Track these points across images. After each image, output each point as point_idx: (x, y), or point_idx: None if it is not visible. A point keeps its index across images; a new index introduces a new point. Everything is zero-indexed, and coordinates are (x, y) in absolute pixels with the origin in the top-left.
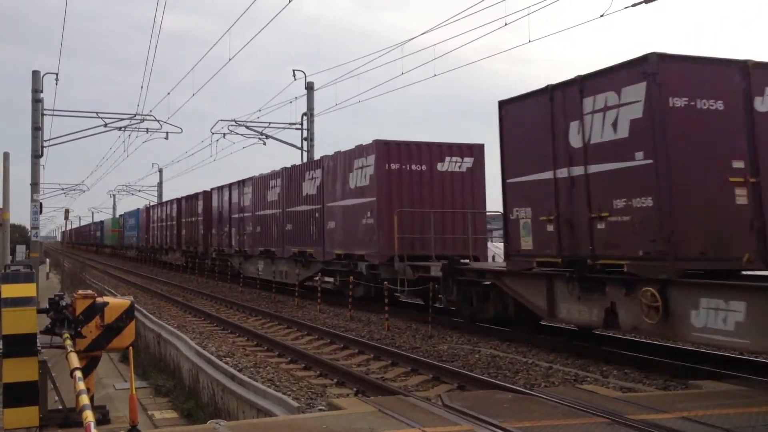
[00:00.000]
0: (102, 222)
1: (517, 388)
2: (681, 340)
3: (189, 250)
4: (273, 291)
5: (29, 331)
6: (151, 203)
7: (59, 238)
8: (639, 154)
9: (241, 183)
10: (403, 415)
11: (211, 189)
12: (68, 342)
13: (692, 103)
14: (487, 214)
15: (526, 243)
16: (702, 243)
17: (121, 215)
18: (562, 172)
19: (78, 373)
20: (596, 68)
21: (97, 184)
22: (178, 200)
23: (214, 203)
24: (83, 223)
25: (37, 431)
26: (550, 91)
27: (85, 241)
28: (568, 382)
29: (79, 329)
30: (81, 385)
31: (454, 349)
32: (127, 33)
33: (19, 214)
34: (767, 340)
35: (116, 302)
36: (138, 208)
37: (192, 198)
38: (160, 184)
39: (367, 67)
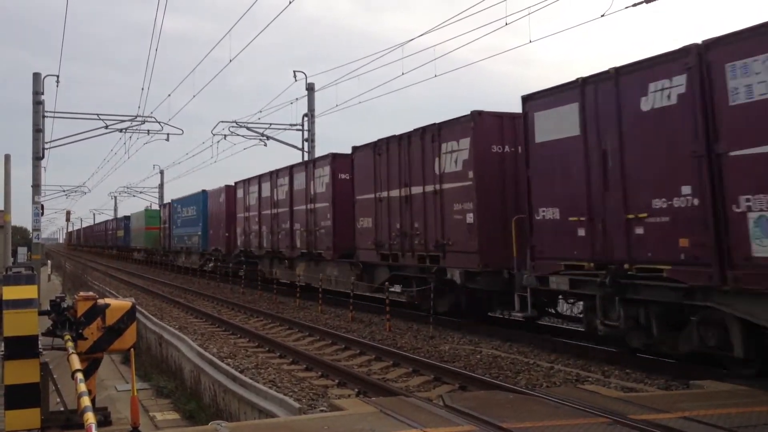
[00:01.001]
0: (127, 218)
1: (519, 388)
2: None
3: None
4: (274, 292)
5: (30, 333)
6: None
7: (61, 240)
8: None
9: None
10: (404, 415)
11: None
12: (70, 344)
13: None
14: None
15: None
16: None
17: (165, 204)
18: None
19: (79, 375)
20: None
21: (98, 185)
22: (335, 157)
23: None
24: (86, 224)
25: None
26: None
27: (99, 243)
28: (570, 383)
29: (80, 331)
30: (82, 387)
31: (456, 349)
32: (128, 35)
33: (21, 216)
34: None
35: (118, 304)
36: (203, 191)
37: (401, 140)
38: (161, 186)
39: (367, 67)
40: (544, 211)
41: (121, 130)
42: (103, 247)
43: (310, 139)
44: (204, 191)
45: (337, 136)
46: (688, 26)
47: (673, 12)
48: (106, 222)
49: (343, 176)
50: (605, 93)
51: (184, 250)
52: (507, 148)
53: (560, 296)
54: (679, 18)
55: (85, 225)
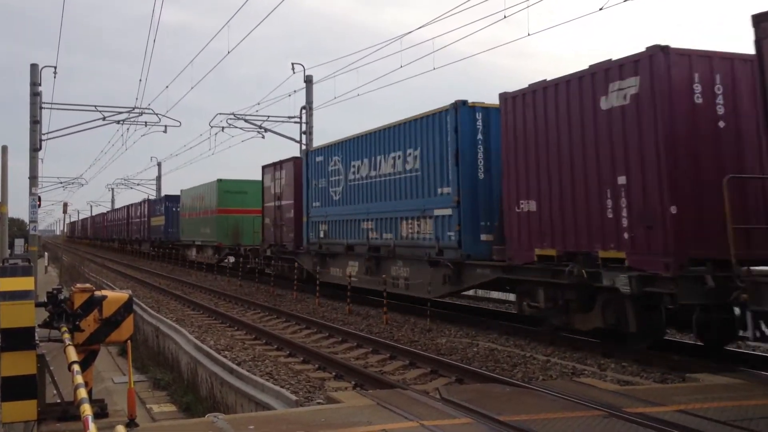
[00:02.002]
0: (171, 198)
1: (515, 381)
2: None
3: None
4: (272, 284)
5: (27, 324)
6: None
7: (57, 232)
8: None
9: None
10: (401, 408)
11: None
12: (66, 335)
13: None
14: None
15: None
16: None
17: (275, 164)
18: None
19: (76, 367)
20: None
21: (95, 177)
22: None
23: None
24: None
25: (35, 425)
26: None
27: (115, 236)
28: (566, 376)
29: (77, 323)
30: (79, 379)
31: (453, 342)
32: (126, 27)
33: (18, 208)
34: None
35: (114, 296)
36: (461, 104)
37: None
38: (158, 178)
39: (366, 60)
40: None
41: (118, 122)
42: (123, 241)
43: (308, 132)
44: (462, 104)
45: (335, 129)
46: (685, 18)
47: (670, 4)
48: (128, 207)
49: None
50: None
51: (363, 254)
52: None
53: None
54: (676, 10)
55: (87, 215)
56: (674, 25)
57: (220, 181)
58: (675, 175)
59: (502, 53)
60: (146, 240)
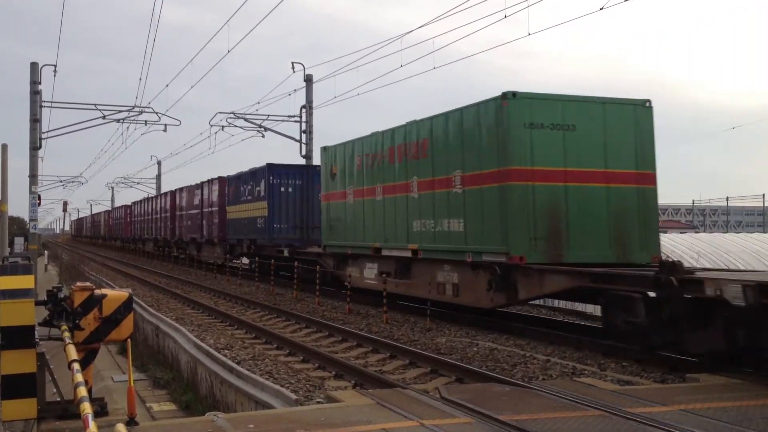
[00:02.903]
0: (277, 173)
1: (515, 381)
2: None
3: None
4: (272, 284)
5: (27, 323)
6: None
7: (57, 230)
8: None
9: None
10: (401, 407)
11: None
12: (66, 334)
13: None
14: None
15: None
16: None
17: None
18: None
19: (76, 365)
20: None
21: (95, 176)
22: None
23: None
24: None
25: (35, 423)
26: None
27: (149, 236)
28: (566, 375)
29: (77, 321)
30: (79, 377)
31: (453, 342)
32: (127, 25)
33: (18, 207)
34: None
35: (114, 294)
36: None
37: None
38: (158, 177)
39: (366, 59)
40: None
41: (118, 121)
42: (163, 243)
43: (308, 131)
44: None
45: (336, 129)
46: (685, 18)
47: (671, 4)
48: (176, 192)
49: None
50: None
51: None
52: None
53: None
54: (677, 10)
55: (97, 210)
56: (674, 24)
57: (511, 97)
58: None
59: (502, 53)
60: (216, 242)
